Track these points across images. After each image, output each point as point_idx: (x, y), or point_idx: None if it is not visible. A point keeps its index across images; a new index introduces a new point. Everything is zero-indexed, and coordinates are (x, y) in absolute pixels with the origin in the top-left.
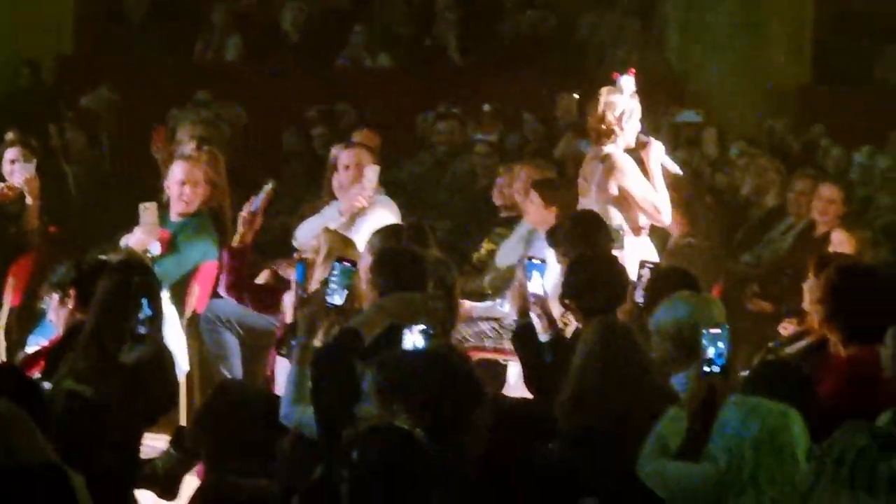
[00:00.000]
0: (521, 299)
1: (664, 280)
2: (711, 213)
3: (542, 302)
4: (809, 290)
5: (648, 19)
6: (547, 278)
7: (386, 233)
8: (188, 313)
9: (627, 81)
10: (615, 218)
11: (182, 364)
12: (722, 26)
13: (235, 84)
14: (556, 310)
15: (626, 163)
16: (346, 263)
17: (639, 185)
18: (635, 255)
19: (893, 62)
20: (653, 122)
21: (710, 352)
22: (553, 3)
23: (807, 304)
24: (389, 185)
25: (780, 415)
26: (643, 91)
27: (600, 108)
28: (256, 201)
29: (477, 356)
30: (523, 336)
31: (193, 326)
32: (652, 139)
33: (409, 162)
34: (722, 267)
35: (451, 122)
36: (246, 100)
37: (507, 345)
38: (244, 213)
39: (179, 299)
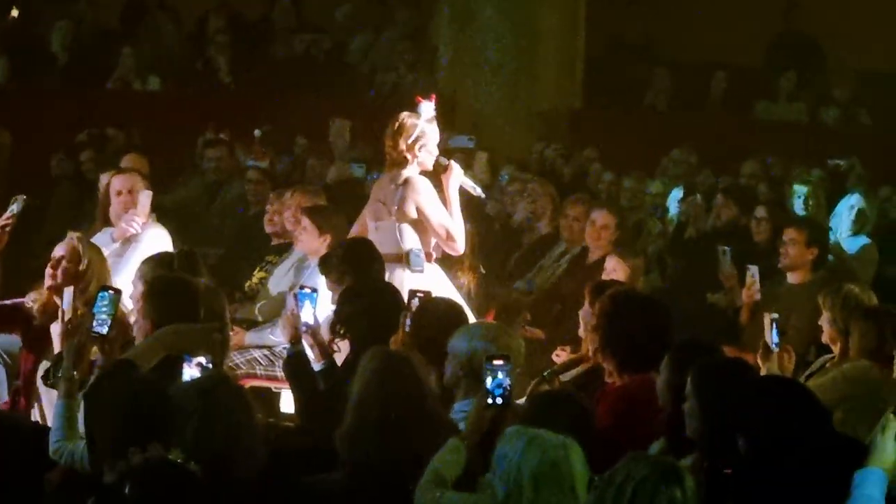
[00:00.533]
0: (293, 328)
1: (432, 309)
2: (483, 240)
3: (313, 331)
4: (584, 318)
5: (420, 42)
6: (318, 307)
7: (157, 261)
8: None
9: (427, 107)
10: (411, 241)
11: None
12: (493, 49)
13: (2, 107)
14: (328, 337)
15: (424, 186)
16: (111, 291)
17: (435, 210)
18: (428, 281)
19: (663, 86)
20: None
21: (491, 383)
22: (325, 25)
23: (581, 331)
24: (159, 211)
25: (560, 446)
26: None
27: (395, 131)
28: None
29: (249, 383)
30: (295, 364)
31: None
32: (452, 162)
33: (180, 187)
34: (494, 294)
35: (219, 148)
36: (13, 123)
37: (279, 372)
38: None
39: None
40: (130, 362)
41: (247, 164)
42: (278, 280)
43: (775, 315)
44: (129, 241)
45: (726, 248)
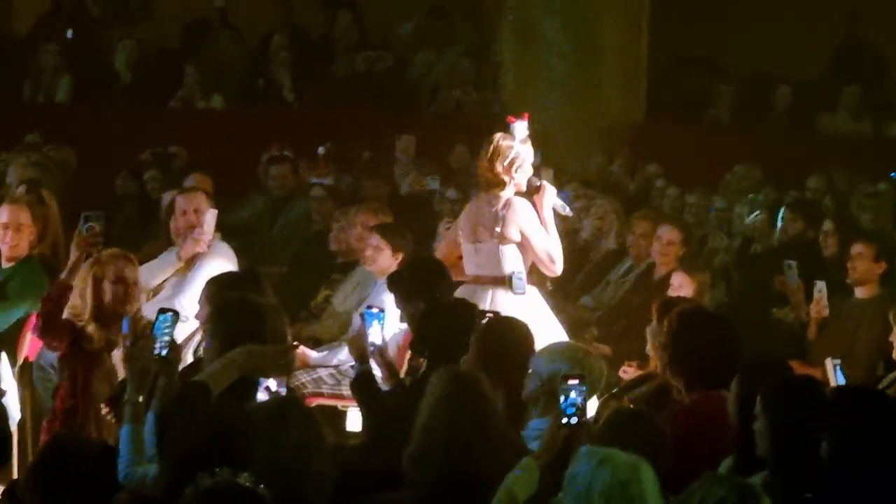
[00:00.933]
0: (361, 348)
1: (496, 330)
2: None
3: (381, 351)
4: (652, 335)
5: (483, 59)
6: (386, 326)
7: (223, 281)
8: (20, 361)
9: (520, 126)
10: (513, 264)
11: (14, 413)
12: (556, 65)
13: (67, 126)
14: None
15: (526, 209)
16: (170, 313)
17: (537, 233)
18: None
19: (725, 101)
20: None
21: (565, 402)
22: (387, 42)
23: (649, 348)
24: (224, 230)
25: (631, 466)
26: (480, 131)
27: (491, 154)
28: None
29: (315, 402)
30: (363, 383)
31: (26, 374)
32: (545, 183)
33: (244, 205)
34: (561, 310)
35: (284, 165)
36: (77, 142)
37: (346, 391)
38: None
39: (11, 348)
40: (205, 385)
41: (310, 181)
42: (344, 298)
43: (837, 360)
44: (193, 260)
45: (792, 262)
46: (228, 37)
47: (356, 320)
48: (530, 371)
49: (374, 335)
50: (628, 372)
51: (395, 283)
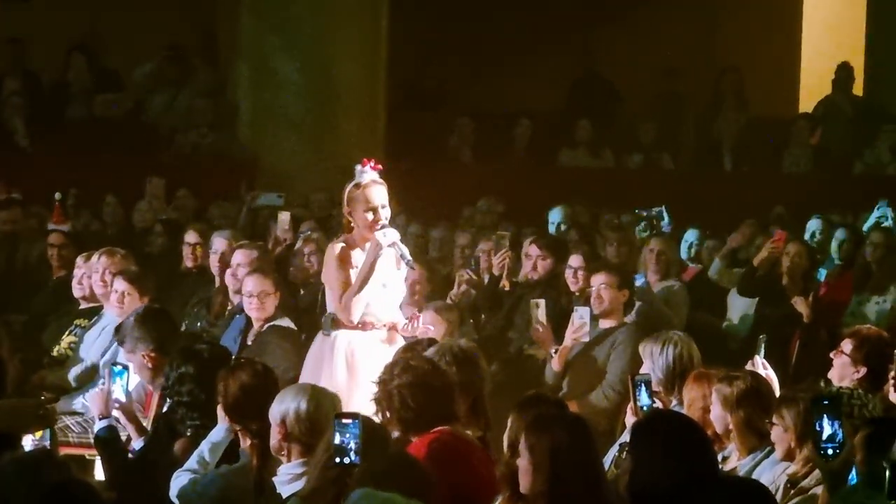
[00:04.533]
0: (105, 403)
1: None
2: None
3: (124, 408)
4: None
5: (220, 99)
6: (130, 382)
7: None
8: None
9: (362, 171)
10: (329, 306)
11: None
12: (292, 105)
13: None
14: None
15: (327, 257)
16: None
17: (329, 278)
18: None
19: (465, 136)
20: (235, 207)
21: (339, 440)
22: (123, 84)
23: None
24: None
25: None
26: (217, 173)
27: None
28: None
29: (62, 451)
30: (107, 439)
31: None
32: (379, 229)
33: None
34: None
35: (14, 209)
36: None
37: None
38: None
39: None
40: None
41: (48, 228)
42: (89, 345)
43: (644, 377)
44: None
45: (540, 300)
46: None
47: (104, 376)
48: (271, 422)
49: (118, 392)
50: None
51: (119, 331)
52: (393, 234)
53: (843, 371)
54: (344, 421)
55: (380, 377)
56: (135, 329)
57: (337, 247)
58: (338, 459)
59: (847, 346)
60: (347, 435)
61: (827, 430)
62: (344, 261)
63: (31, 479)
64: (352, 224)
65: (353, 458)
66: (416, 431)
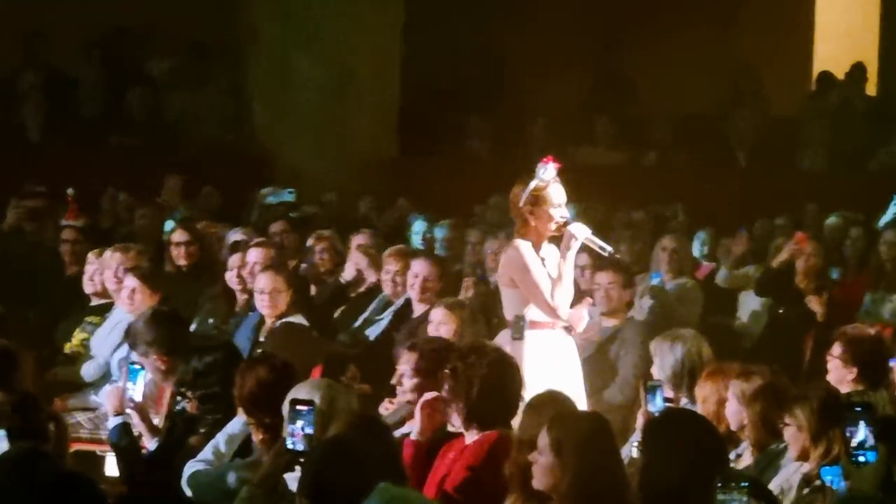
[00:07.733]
0: (118, 401)
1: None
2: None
3: (139, 407)
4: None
5: (237, 98)
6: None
7: None
8: None
9: (545, 168)
10: (513, 308)
11: None
12: (307, 101)
13: None
14: None
15: (516, 254)
16: None
17: (525, 278)
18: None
19: (478, 133)
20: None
21: (293, 427)
22: (142, 81)
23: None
24: None
25: None
26: (233, 171)
27: (513, 196)
28: None
29: (74, 447)
30: (120, 434)
31: None
32: (572, 222)
33: None
34: (321, 348)
35: (38, 201)
36: None
37: (104, 435)
38: None
39: None
40: None
41: (61, 224)
42: (101, 341)
43: (657, 382)
44: None
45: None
46: None
47: (121, 373)
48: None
49: (133, 390)
50: (389, 409)
51: (127, 333)
52: (585, 228)
53: (838, 374)
54: (298, 408)
55: (453, 363)
56: (145, 333)
57: (526, 247)
58: (290, 445)
59: (836, 349)
60: (301, 422)
61: (859, 437)
62: (537, 260)
63: (24, 474)
64: (531, 223)
65: (304, 444)
66: (480, 426)
